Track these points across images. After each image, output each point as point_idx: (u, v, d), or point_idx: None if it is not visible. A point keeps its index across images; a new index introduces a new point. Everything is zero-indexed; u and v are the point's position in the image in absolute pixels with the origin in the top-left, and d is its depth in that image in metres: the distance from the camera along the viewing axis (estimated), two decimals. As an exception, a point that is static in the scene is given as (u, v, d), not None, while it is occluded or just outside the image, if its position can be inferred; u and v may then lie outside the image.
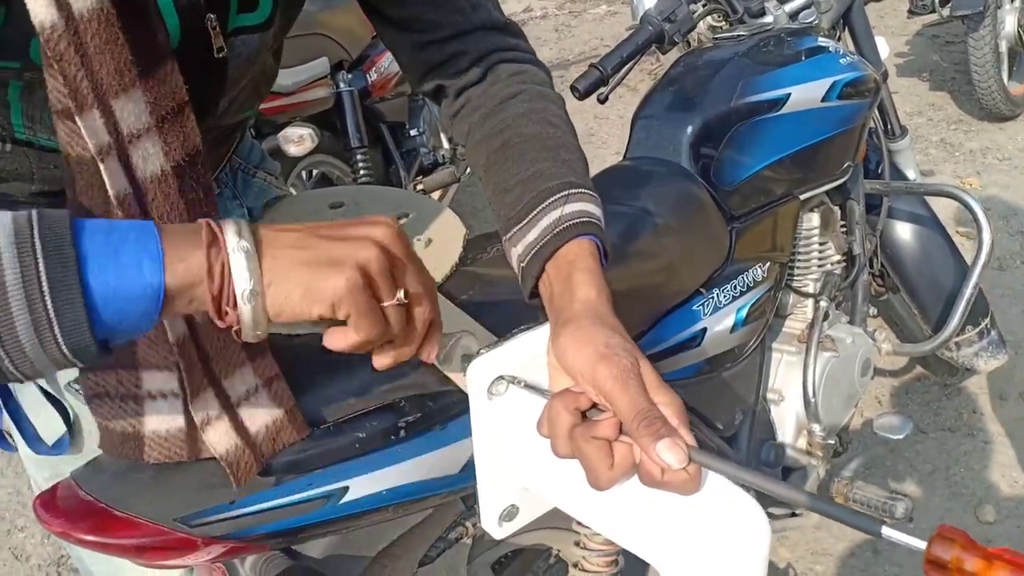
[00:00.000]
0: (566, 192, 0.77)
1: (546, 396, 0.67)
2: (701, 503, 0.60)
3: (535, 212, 0.77)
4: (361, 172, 2.54)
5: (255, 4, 0.81)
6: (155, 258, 0.52)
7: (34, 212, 0.51)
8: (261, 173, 1.11)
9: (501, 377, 0.69)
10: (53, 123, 0.79)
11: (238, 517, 0.75)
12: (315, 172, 2.66)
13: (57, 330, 0.49)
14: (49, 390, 0.94)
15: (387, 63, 2.78)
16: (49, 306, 0.49)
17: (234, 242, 0.55)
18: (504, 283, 0.93)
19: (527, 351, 0.71)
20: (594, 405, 0.64)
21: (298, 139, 2.23)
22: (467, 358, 0.70)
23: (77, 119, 0.64)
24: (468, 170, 3.15)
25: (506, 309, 0.92)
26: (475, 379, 0.69)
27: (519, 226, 0.78)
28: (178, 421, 0.71)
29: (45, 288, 0.49)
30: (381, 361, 0.65)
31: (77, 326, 0.50)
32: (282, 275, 0.56)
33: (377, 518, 0.83)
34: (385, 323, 0.61)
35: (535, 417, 0.66)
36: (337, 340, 0.61)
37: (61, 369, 0.52)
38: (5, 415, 0.96)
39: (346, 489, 0.79)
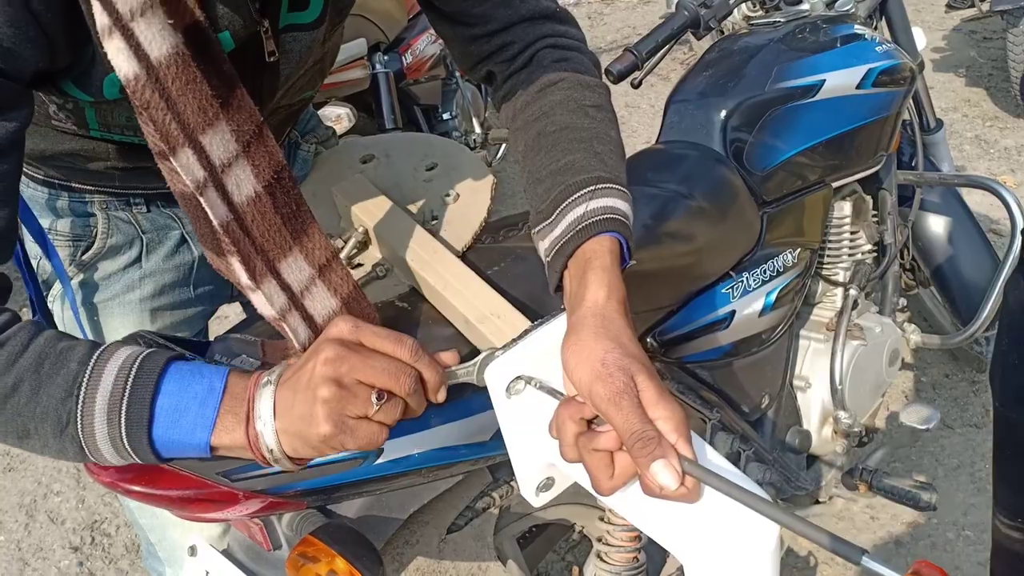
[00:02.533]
0: (592, 187, 0.78)
1: (558, 397, 0.69)
2: (715, 492, 0.61)
3: (562, 207, 0.78)
4: (393, 154, 2.56)
5: (306, 3, 0.83)
6: (207, 427, 0.66)
7: (135, 366, 0.66)
8: (306, 144, 1.13)
9: (519, 377, 0.71)
10: (126, 121, 0.84)
11: (278, 473, 0.77)
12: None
13: (129, 452, 0.67)
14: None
15: (422, 46, 2.80)
16: (125, 443, 0.66)
17: (259, 423, 0.66)
18: (533, 258, 0.94)
19: (543, 346, 0.73)
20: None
21: (336, 118, 2.25)
22: (484, 361, 0.72)
23: (172, 159, 0.68)
24: (499, 154, 3.16)
25: (533, 283, 0.94)
26: (493, 380, 0.71)
27: (547, 221, 0.79)
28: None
29: (124, 434, 0.66)
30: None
31: (143, 454, 0.67)
32: (293, 437, 0.66)
33: (409, 481, 0.85)
34: (380, 426, 0.67)
35: (552, 412, 0.68)
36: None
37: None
38: None
39: (380, 450, 0.81)
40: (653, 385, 0.64)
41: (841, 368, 1.44)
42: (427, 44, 2.81)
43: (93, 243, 0.99)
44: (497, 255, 0.99)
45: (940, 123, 2.00)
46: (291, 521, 0.92)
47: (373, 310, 0.81)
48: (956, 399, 2.25)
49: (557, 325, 0.73)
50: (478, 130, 3.04)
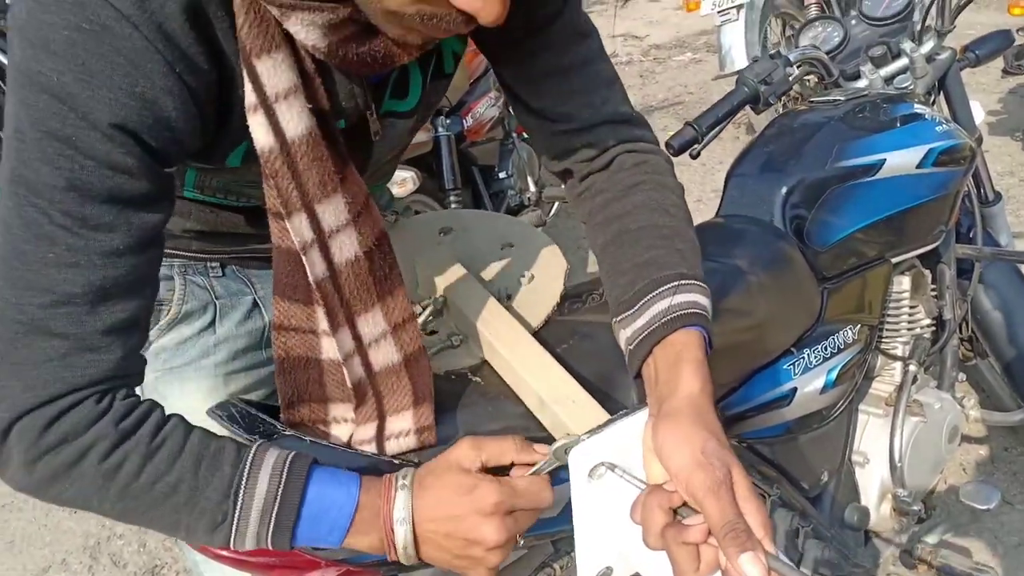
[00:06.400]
0: (676, 283, 0.82)
1: (641, 487, 0.72)
2: None
3: (646, 299, 0.82)
4: (453, 212, 2.62)
5: (406, 92, 0.90)
6: (343, 529, 0.75)
7: (284, 472, 0.74)
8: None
9: (602, 463, 0.75)
10: (220, 185, 0.89)
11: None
12: (411, 211, 2.75)
13: (268, 545, 0.74)
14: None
15: (482, 109, 2.87)
16: (269, 540, 0.74)
17: (396, 522, 0.75)
18: (601, 335, 0.97)
19: (624, 436, 0.76)
20: (685, 503, 0.69)
21: (402, 181, 2.33)
22: (567, 444, 0.76)
23: (286, 221, 0.76)
24: (552, 211, 3.21)
25: (601, 362, 0.97)
26: (576, 463, 0.74)
27: (630, 311, 0.83)
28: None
29: (270, 533, 0.73)
30: None
31: (281, 545, 0.74)
32: (433, 556, 0.78)
33: (479, 553, 0.88)
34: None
35: (630, 499, 0.72)
36: None
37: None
38: None
39: None
40: (745, 481, 0.67)
41: (901, 445, 1.44)
42: (487, 107, 2.89)
43: (170, 309, 1.01)
44: (565, 332, 1.03)
45: (999, 195, 1.99)
46: (365, 588, 0.95)
47: (429, 371, 0.88)
48: (1016, 474, 2.21)
49: (639, 417, 0.76)
50: (532, 188, 3.09)
